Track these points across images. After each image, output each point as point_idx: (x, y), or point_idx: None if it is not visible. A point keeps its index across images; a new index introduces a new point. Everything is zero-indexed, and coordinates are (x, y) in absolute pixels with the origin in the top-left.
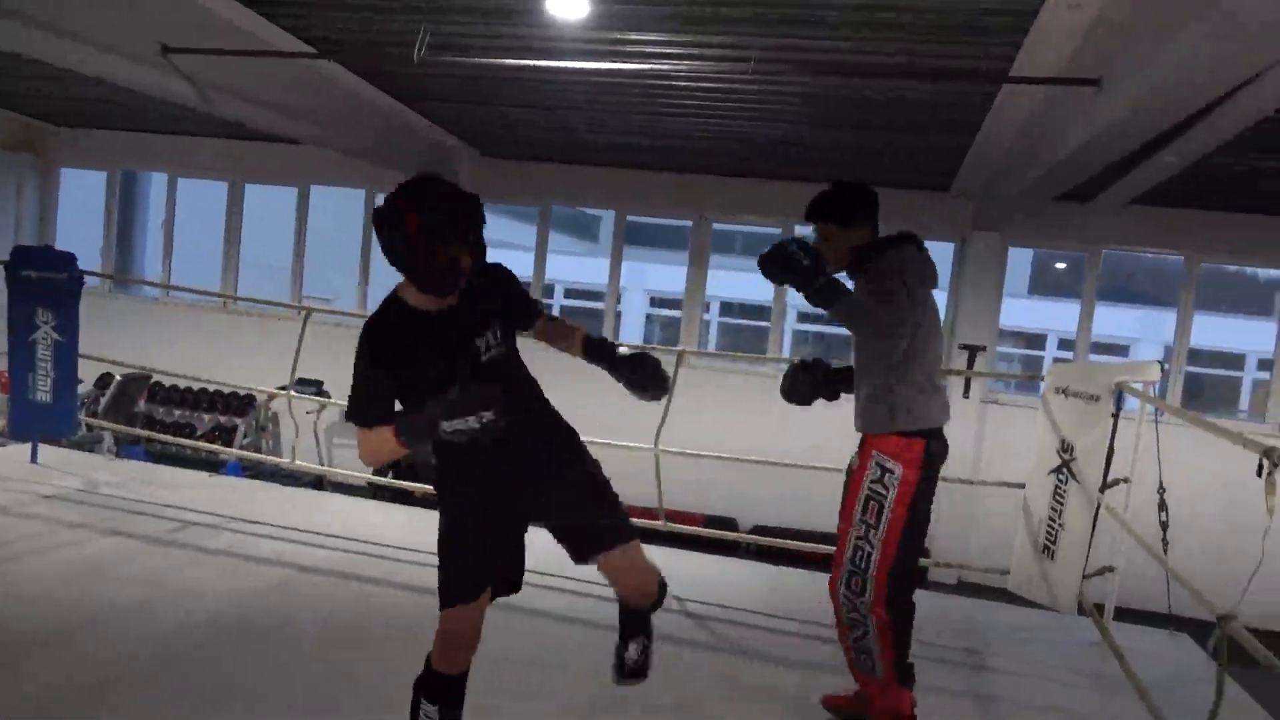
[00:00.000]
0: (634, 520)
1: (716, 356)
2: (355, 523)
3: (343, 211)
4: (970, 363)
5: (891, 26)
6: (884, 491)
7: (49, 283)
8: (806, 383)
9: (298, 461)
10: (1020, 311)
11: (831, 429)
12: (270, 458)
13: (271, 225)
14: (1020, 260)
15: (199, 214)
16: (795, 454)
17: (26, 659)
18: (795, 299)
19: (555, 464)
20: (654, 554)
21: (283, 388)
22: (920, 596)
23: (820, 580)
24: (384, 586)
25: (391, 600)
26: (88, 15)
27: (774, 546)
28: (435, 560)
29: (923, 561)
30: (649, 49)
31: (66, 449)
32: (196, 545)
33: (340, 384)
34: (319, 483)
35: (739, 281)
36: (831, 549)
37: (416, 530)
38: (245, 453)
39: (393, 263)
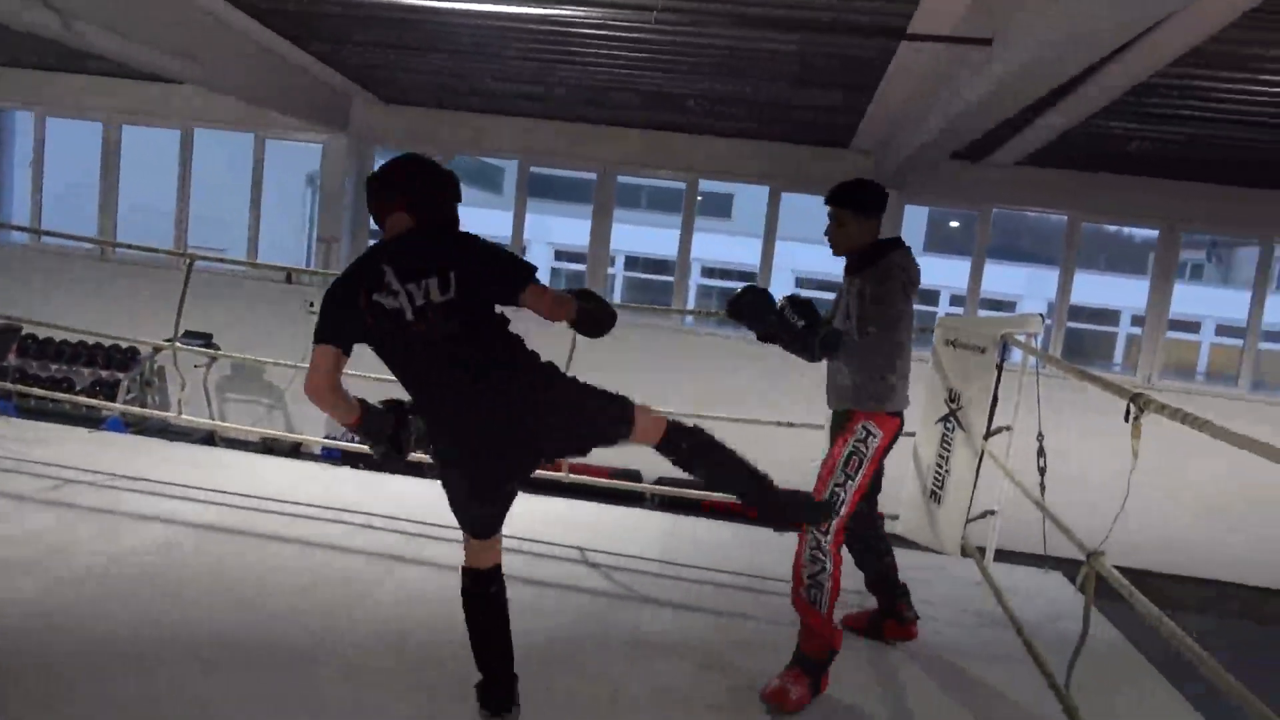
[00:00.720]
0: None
1: (621, 309)
2: (246, 478)
3: (232, 157)
4: None
5: None
6: (864, 451)
7: None
8: (758, 304)
9: (185, 416)
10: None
11: (728, 381)
12: (156, 412)
13: (155, 170)
14: (916, 217)
15: (72, 156)
16: (698, 406)
17: None
18: (701, 253)
19: (527, 417)
20: (557, 505)
21: (169, 340)
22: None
23: (716, 529)
24: (275, 541)
25: (282, 555)
26: None
27: (677, 497)
28: (321, 514)
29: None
30: None
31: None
32: (73, 503)
33: (231, 339)
34: (210, 439)
35: (644, 235)
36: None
37: (307, 483)
38: (128, 408)
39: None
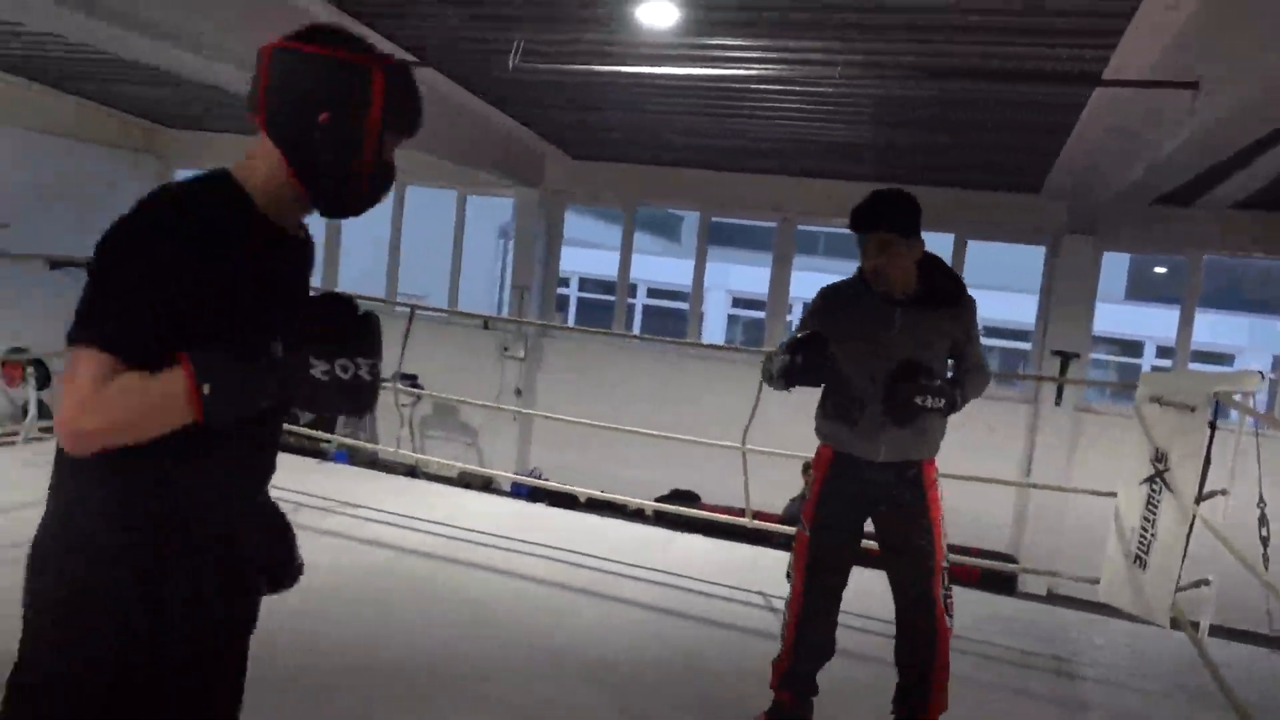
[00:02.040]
0: (721, 518)
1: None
2: (448, 509)
3: (435, 212)
4: (1062, 370)
5: (983, 29)
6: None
7: None
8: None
9: (401, 451)
10: (1116, 317)
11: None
12: (368, 444)
13: (368, 225)
14: (1116, 264)
15: None
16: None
17: None
18: None
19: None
20: (739, 550)
21: (386, 380)
22: (1008, 604)
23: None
24: (475, 568)
25: (480, 579)
26: (201, 25)
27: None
28: (515, 545)
29: (1011, 568)
30: (735, 54)
31: None
32: (309, 525)
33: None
34: (412, 472)
35: (822, 281)
36: None
37: (503, 517)
38: (348, 440)
39: (297, 140)
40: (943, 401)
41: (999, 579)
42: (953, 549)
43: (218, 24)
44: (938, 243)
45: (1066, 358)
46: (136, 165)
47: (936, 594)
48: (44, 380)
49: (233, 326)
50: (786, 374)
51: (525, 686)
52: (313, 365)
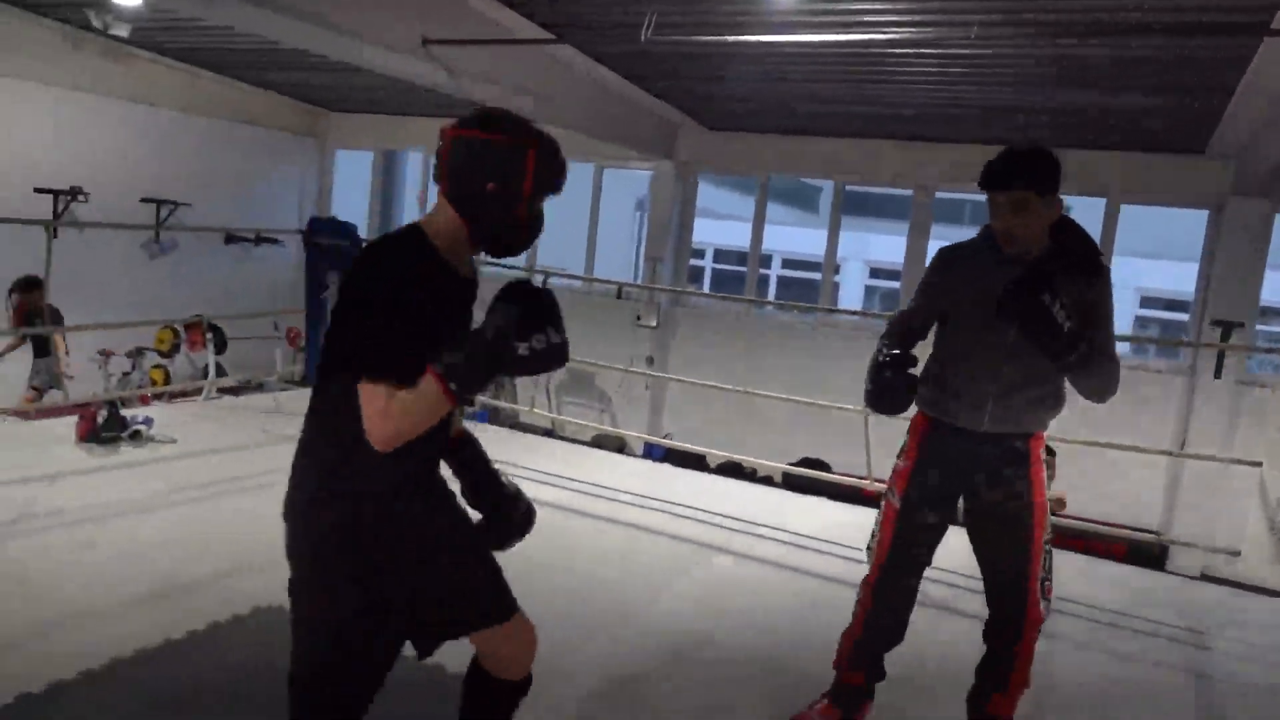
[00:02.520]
0: (844, 484)
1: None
2: (583, 467)
3: (572, 186)
4: (1224, 339)
5: None
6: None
7: (336, 249)
8: (899, 384)
9: (537, 411)
10: None
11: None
12: (509, 405)
13: None
14: None
15: None
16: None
17: None
18: None
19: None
20: (861, 514)
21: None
22: (1155, 578)
23: None
24: (605, 522)
25: (611, 534)
26: (360, 13)
27: None
28: (643, 502)
29: (1162, 539)
30: (867, 18)
31: None
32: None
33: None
34: (550, 433)
35: None
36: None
37: (635, 476)
38: (490, 401)
39: (471, 204)
40: (1067, 324)
41: (1147, 556)
42: (1096, 523)
43: (385, 13)
44: (1087, 207)
45: (1228, 327)
46: (300, 146)
47: (1033, 579)
48: (221, 345)
49: (438, 343)
50: (871, 398)
51: (650, 628)
52: (518, 346)
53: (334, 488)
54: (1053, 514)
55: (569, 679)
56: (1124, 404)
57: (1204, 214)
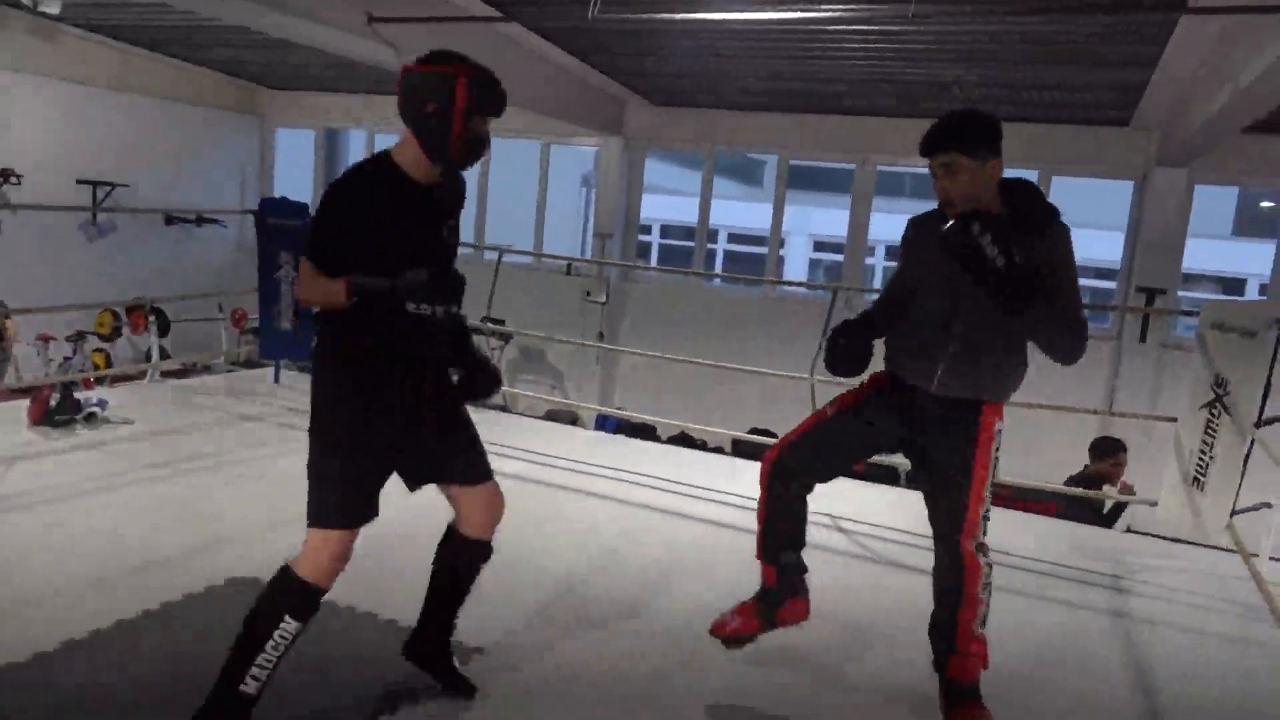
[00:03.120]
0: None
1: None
2: (538, 441)
3: (520, 162)
4: (1149, 305)
5: None
6: (997, 457)
7: (287, 228)
8: (854, 349)
9: None
10: (1219, 254)
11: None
12: None
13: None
14: (1223, 200)
15: None
16: None
17: (300, 528)
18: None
19: (451, 401)
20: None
21: (475, 327)
22: (1070, 529)
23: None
24: (563, 491)
25: (569, 501)
26: None
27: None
28: (599, 469)
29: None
30: None
31: (299, 372)
32: None
33: (518, 324)
34: (504, 409)
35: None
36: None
37: (586, 446)
38: None
39: (418, 125)
40: (1002, 261)
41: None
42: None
43: None
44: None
45: (1152, 293)
46: (239, 124)
47: (965, 542)
48: (164, 327)
49: (402, 242)
50: (826, 361)
51: (594, 583)
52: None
53: (337, 349)
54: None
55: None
56: (1054, 367)
57: (1130, 184)
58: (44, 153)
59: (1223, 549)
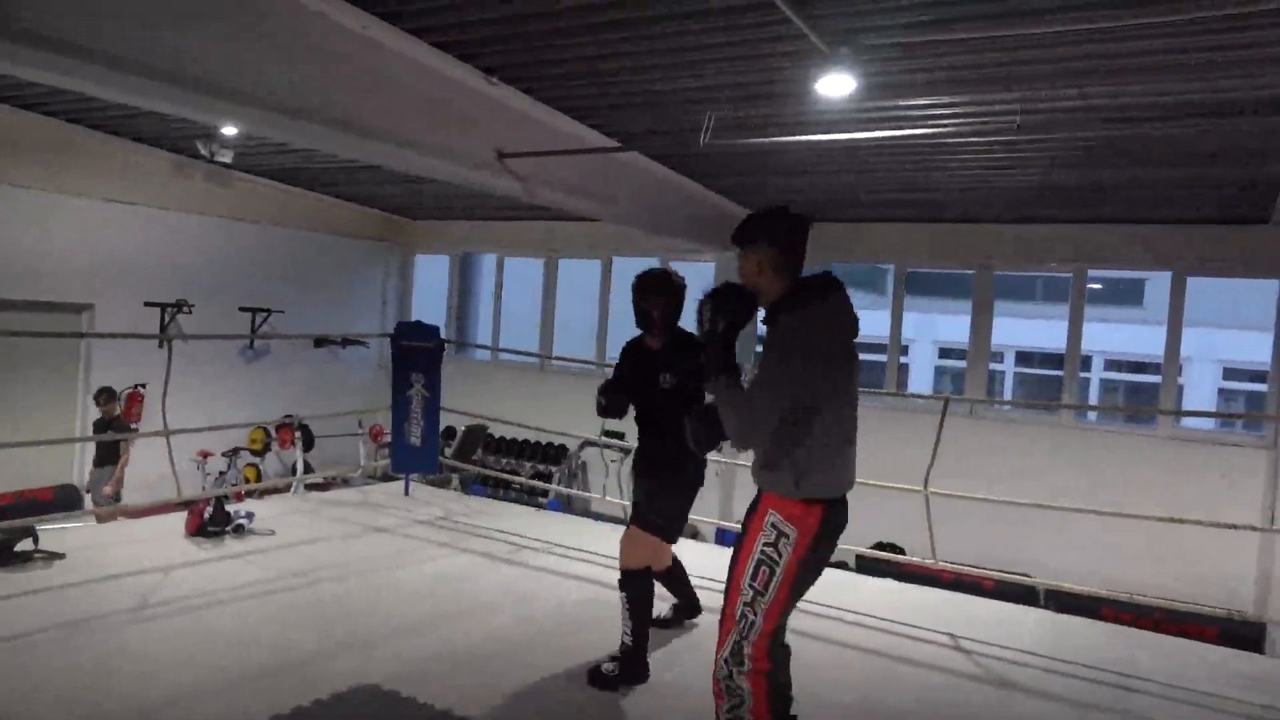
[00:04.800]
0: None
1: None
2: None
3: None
4: None
5: (1173, 68)
6: (777, 557)
7: (420, 350)
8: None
9: (608, 497)
10: None
11: (1133, 477)
12: (582, 493)
13: (579, 294)
14: None
15: (522, 286)
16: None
17: (418, 635)
18: (1107, 345)
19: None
20: (929, 594)
21: (591, 441)
22: (1218, 653)
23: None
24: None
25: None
26: (444, 135)
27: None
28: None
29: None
30: (914, 113)
31: (427, 485)
32: (528, 564)
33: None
34: (624, 521)
35: (1032, 328)
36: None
37: (703, 559)
38: (563, 489)
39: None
40: (703, 335)
41: (1243, 638)
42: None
43: (461, 132)
44: (1155, 280)
45: None
46: (382, 252)
47: (722, 636)
48: (309, 442)
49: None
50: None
51: None
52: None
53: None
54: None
55: None
56: (1207, 479)
57: (1274, 283)
58: (212, 283)
59: None
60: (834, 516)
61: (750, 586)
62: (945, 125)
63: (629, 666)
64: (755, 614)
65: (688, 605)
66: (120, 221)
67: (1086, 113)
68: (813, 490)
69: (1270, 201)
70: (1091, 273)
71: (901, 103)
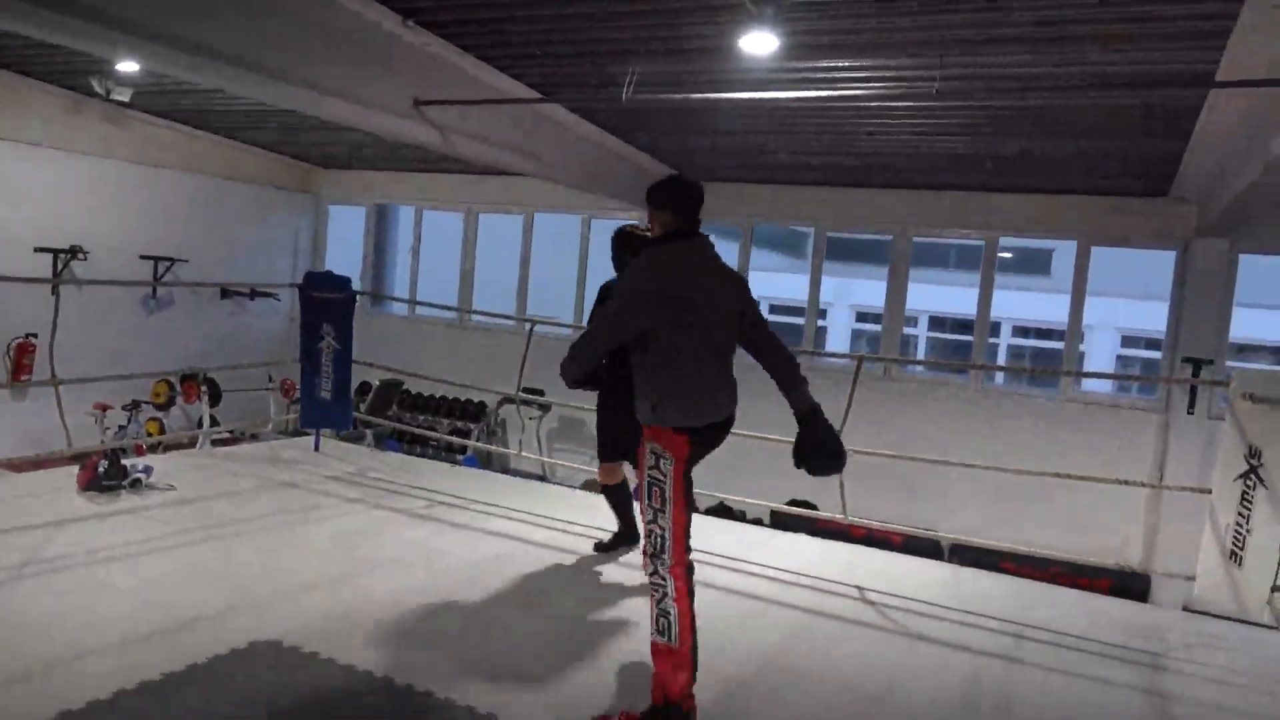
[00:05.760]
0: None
1: (897, 361)
2: (569, 509)
3: (562, 236)
4: (1195, 375)
5: (1082, 39)
6: (662, 478)
7: (331, 301)
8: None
9: (525, 454)
10: (1272, 324)
11: (1036, 438)
12: (501, 449)
13: (500, 249)
14: (1273, 270)
15: (440, 240)
16: (988, 459)
17: (321, 591)
18: (1015, 312)
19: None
20: (839, 550)
21: (510, 398)
22: (1106, 604)
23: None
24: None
25: (583, 566)
26: (358, 80)
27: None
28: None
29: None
30: (836, 75)
31: (339, 440)
32: (440, 519)
33: (559, 393)
34: (542, 477)
35: (949, 294)
36: None
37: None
38: (481, 445)
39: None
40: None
41: (1131, 590)
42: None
43: (378, 77)
44: (1063, 250)
45: (1198, 364)
46: (294, 202)
47: (645, 546)
48: (215, 397)
49: None
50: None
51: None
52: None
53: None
54: None
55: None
56: (1101, 440)
57: (1171, 254)
58: (110, 230)
59: (1264, 625)
60: (703, 441)
61: (650, 507)
62: (867, 88)
63: (621, 536)
64: (662, 528)
65: (628, 532)
66: (8, 161)
67: (1004, 81)
68: (673, 419)
69: (1170, 175)
70: (1003, 241)
71: (824, 63)
